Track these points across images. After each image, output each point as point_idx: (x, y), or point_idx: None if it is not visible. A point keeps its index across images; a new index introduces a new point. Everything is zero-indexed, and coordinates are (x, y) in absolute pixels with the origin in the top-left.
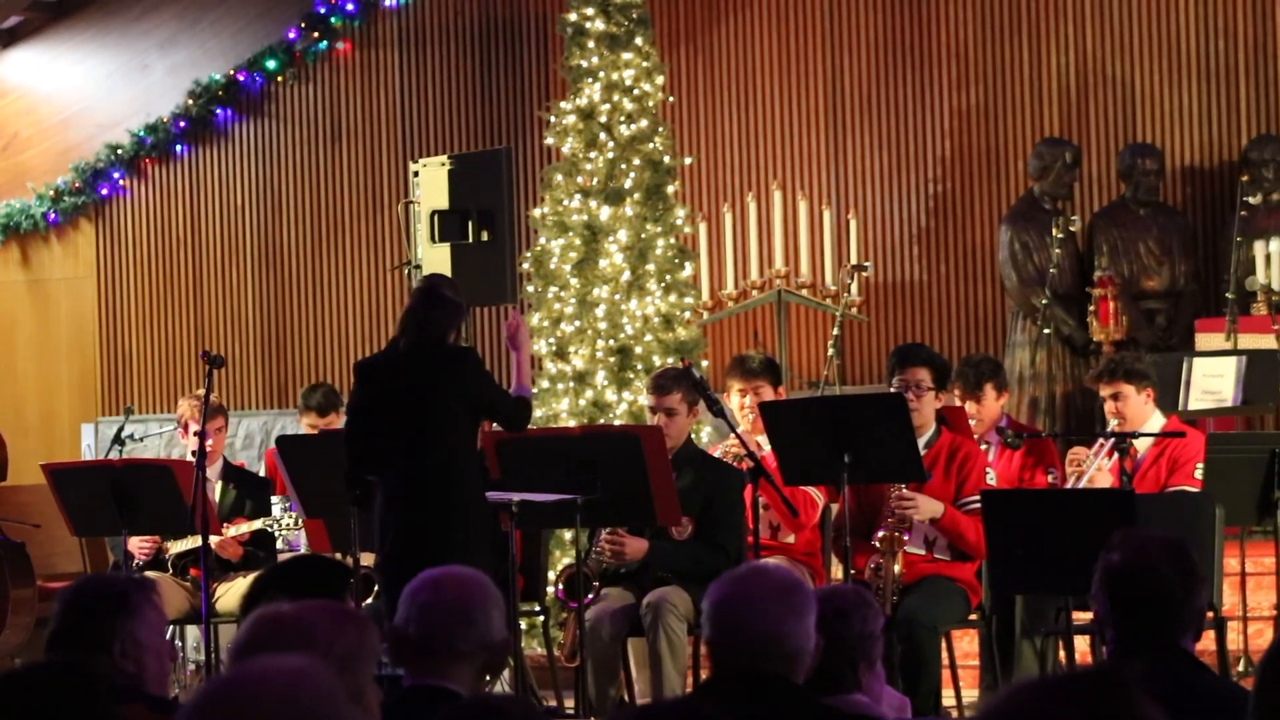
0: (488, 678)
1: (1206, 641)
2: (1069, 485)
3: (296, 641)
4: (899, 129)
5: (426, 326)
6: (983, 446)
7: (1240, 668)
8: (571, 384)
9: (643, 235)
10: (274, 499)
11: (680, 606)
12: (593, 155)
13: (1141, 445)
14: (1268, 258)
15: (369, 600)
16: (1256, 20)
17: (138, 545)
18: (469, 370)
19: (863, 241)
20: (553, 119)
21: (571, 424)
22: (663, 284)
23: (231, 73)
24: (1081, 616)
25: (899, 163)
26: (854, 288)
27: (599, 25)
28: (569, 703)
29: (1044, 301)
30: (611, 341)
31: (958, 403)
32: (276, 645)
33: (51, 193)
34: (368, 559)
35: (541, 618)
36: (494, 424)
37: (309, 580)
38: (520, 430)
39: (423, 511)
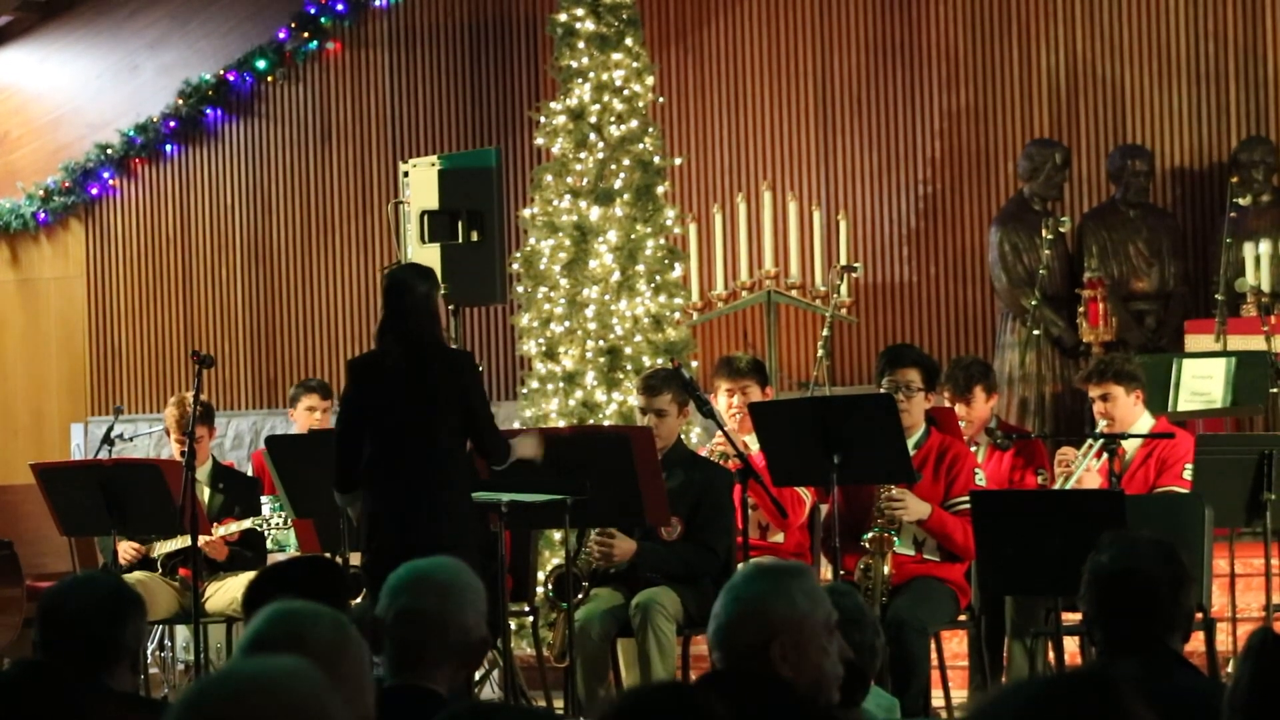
0: (476, 675)
1: (1196, 643)
2: (1058, 486)
3: (290, 643)
4: (889, 130)
5: (403, 332)
6: (972, 448)
7: (1230, 669)
8: (561, 384)
9: (632, 236)
10: (264, 499)
11: (669, 607)
12: (583, 156)
13: (1130, 446)
14: (1257, 259)
15: (358, 600)
16: (1246, 22)
17: (124, 550)
18: (466, 377)
19: (852, 242)
20: (543, 119)
21: (561, 424)
22: (652, 284)
23: (221, 73)
24: (1071, 617)
25: (889, 163)
26: (843, 288)
27: (589, 26)
28: (558, 703)
29: (1033, 303)
30: (601, 342)
31: (947, 404)
32: (282, 645)
33: (41, 192)
34: (357, 558)
35: (531, 618)
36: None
37: (308, 581)
38: (493, 461)
39: (410, 512)
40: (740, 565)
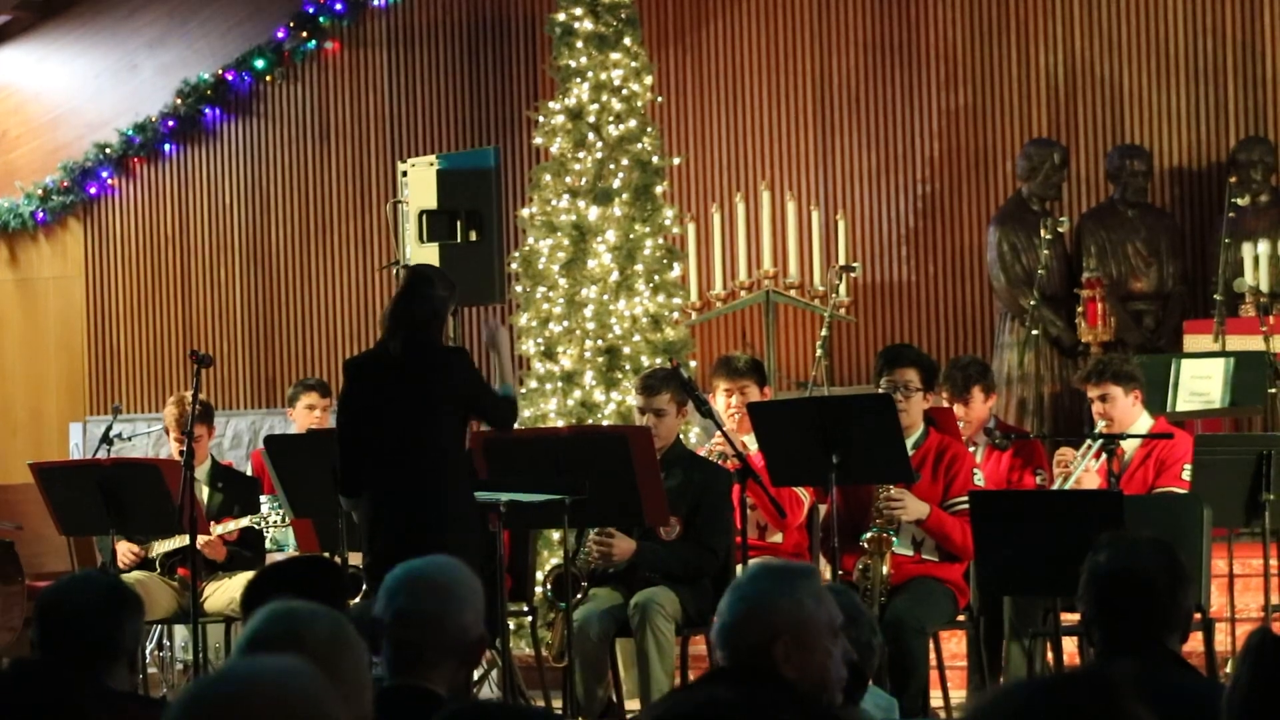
0: (475, 675)
1: (1194, 643)
2: (1056, 486)
3: (288, 642)
4: (887, 129)
5: (409, 323)
6: (971, 448)
7: (1228, 669)
8: (559, 384)
9: (631, 235)
10: (263, 498)
11: (668, 607)
12: (581, 155)
13: (1129, 446)
14: (1255, 259)
15: (356, 600)
16: (1244, 21)
17: (123, 553)
18: (459, 369)
19: (851, 242)
20: (541, 119)
21: (559, 424)
22: (651, 284)
23: (220, 72)
24: (1069, 618)
25: (887, 163)
26: (842, 288)
27: (587, 25)
28: (557, 703)
29: (1032, 302)
30: (600, 342)
31: (945, 404)
32: (280, 644)
33: (40, 192)
34: (356, 558)
35: (529, 618)
36: (482, 424)
37: (306, 580)
38: (508, 429)
39: (411, 514)
40: (739, 565)
